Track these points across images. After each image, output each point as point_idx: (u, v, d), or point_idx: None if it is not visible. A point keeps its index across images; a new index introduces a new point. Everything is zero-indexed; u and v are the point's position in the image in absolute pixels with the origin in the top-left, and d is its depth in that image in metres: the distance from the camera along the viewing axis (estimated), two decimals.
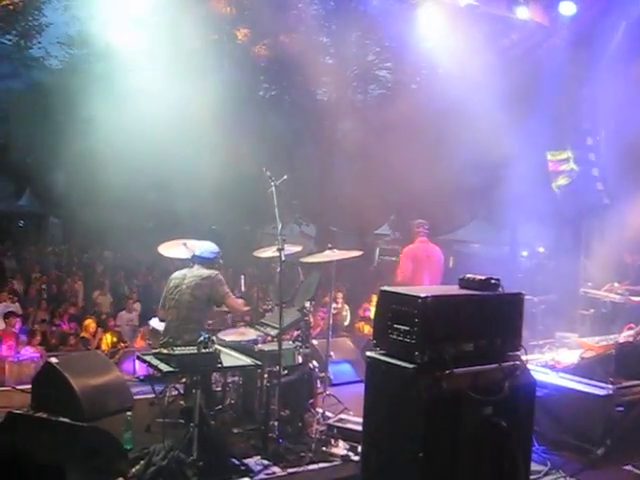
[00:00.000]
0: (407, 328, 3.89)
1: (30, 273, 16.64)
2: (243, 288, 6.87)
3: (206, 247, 6.10)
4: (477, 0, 9.10)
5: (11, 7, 17.71)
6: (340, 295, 13.56)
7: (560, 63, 9.60)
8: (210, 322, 6.22)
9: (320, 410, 6.07)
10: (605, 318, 8.50)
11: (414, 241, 8.02)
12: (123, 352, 10.94)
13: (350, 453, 5.22)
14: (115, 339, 11.71)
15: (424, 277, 7.67)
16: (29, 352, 10.55)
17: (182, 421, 5.24)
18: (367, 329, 11.77)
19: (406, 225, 8.16)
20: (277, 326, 5.44)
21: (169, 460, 4.64)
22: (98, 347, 11.30)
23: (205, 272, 5.89)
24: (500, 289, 4.24)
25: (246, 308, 6.99)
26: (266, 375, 5.70)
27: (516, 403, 4.07)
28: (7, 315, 11.31)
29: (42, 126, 19.00)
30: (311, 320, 6.31)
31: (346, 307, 13.13)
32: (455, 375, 3.82)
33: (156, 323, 6.45)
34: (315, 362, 6.24)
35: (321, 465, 5.12)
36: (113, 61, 13.87)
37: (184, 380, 5.91)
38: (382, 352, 4.13)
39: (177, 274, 6.06)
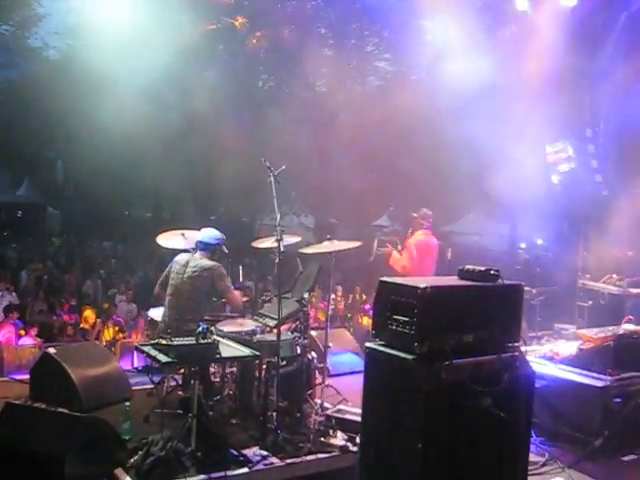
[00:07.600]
0: (406, 319, 3.88)
1: (28, 263, 16.63)
2: (241, 279, 6.84)
3: (208, 233, 6.03)
4: None
5: None
6: (339, 288, 13.56)
7: (560, 54, 9.55)
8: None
9: (318, 401, 6.07)
10: (603, 310, 8.52)
11: (414, 232, 7.82)
12: (122, 344, 10.96)
13: (348, 444, 5.22)
14: (117, 328, 11.73)
15: (430, 269, 7.57)
16: (27, 343, 10.55)
17: (180, 412, 5.24)
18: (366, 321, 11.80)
19: (407, 216, 7.99)
20: (276, 317, 5.43)
21: (167, 450, 4.64)
22: (97, 338, 11.30)
23: (207, 263, 5.84)
24: (500, 280, 4.23)
25: (245, 299, 6.99)
26: (264, 366, 5.69)
27: (515, 394, 4.06)
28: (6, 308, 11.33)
29: (40, 116, 18.95)
30: (309, 311, 6.31)
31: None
32: (454, 366, 3.81)
33: (154, 313, 6.42)
34: (314, 353, 6.24)
35: (319, 456, 5.12)
36: (110, 51, 13.83)
37: (182, 371, 5.92)
38: (381, 343, 4.12)
39: (179, 259, 6.03)
